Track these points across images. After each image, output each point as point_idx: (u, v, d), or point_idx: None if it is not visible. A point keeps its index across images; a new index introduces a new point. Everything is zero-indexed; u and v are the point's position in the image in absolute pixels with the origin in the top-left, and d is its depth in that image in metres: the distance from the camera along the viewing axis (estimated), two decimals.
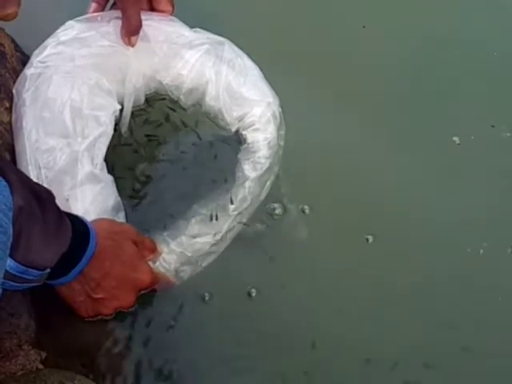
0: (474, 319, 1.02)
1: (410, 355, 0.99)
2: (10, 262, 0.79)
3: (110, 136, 1.06)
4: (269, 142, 1.10)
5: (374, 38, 1.28)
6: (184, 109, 1.15)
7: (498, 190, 1.13)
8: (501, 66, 1.27)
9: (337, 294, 1.03)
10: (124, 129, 1.12)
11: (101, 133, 1.04)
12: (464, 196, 1.12)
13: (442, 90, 1.23)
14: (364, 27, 1.30)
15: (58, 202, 0.88)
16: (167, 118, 1.15)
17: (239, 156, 1.10)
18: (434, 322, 1.01)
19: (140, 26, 1.09)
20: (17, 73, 1.09)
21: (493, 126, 1.19)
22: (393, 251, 1.07)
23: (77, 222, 0.90)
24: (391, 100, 1.22)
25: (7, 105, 1.06)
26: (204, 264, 1.03)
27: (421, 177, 1.14)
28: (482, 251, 1.07)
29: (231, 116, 1.12)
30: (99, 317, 0.97)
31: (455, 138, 1.17)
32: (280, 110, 1.13)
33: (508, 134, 1.18)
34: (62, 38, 1.08)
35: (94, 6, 1.13)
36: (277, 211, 1.09)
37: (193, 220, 1.04)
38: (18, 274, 0.81)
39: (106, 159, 1.05)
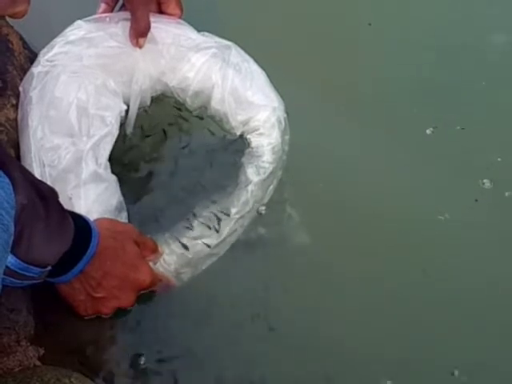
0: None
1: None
2: (11, 259, 0.79)
3: (115, 136, 1.06)
4: (273, 147, 1.10)
5: (380, 37, 1.28)
6: (190, 111, 1.15)
7: None
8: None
9: (338, 297, 1.04)
10: (129, 129, 1.12)
11: (106, 133, 1.05)
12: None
13: (448, 92, 1.23)
14: (370, 25, 1.30)
15: (61, 200, 0.88)
16: (172, 120, 1.15)
17: (243, 160, 1.10)
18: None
19: (148, 28, 1.09)
20: (24, 70, 1.09)
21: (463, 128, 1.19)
22: (395, 254, 1.07)
23: (79, 221, 0.91)
24: (396, 104, 1.22)
25: (14, 102, 1.06)
26: (204, 266, 1.04)
27: (422, 182, 1.14)
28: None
29: (236, 120, 1.12)
30: (98, 315, 0.97)
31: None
32: (285, 115, 1.13)
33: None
34: (70, 38, 1.08)
35: (103, 6, 1.13)
36: (279, 216, 1.09)
37: (195, 222, 1.04)
38: (19, 271, 0.82)
39: (111, 159, 1.06)
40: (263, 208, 1.08)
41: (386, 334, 1.01)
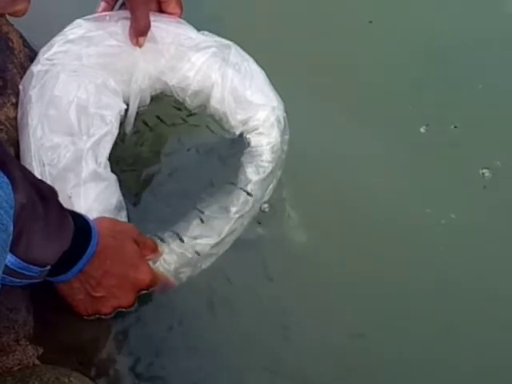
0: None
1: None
2: (10, 258, 0.79)
3: (114, 135, 1.06)
4: (272, 147, 1.10)
5: (381, 35, 1.28)
6: (189, 110, 1.16)
7: None
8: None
9: (337, 297, 1.04)
10: (129, 128, 1.12)
11: (106, 132, 1.05)
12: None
13: (444, 91, 1.23)
14: (370, 22, 1.30)
15: (61, 199, 0.88)
16: (172, 120, 1.15)
17: (242, 159, 1.10)
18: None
19: (148, 27, 1.09)
20: (24, 69, 1.09)
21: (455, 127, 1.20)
22: (395, 253, 1.08)
23: (79, 220, 0.91)
24: (396, 103, 1.22)
25: (14, 100, 1.06)
26: (204, 266, 1.04)
27: (421, 182, 1.14)
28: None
29: (235, 119, 1.12)
30: (98, 315, 0.97)
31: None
32: (284, 114, 1.13)
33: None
34: (70, 37, 1.08)
35: (102, 5, 1.13)
36: (278, 215, 1.09)
37: (194, 221, 1.04)
38: (18, 270, 0.81)
39: (110, 158, 1.06)
40: (266, 206, 1.09)
41: (387, 333, 1.01)
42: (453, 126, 1.19)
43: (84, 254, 0.91)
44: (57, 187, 0.89)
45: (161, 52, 1.12)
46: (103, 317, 0.97)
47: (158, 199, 1.09)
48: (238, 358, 0.98)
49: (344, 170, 1.14)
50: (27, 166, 1.00)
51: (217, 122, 1.14)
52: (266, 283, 1.04)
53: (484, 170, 1.14)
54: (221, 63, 1.13)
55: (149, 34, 1.10)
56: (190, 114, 1.15)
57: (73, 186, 1.00)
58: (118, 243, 0.96)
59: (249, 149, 1.11)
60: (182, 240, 1.02)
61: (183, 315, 1.01)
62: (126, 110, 1.11)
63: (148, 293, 1.00)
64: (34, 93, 1.05)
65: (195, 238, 1.03)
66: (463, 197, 1.13)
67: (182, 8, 1.14)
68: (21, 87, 1.07)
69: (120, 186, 1.05)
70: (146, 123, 1.14)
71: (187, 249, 1.03)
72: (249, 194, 1.05)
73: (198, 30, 1.15)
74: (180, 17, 1.14)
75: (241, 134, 1.13)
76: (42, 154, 1.01)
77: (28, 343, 0.93)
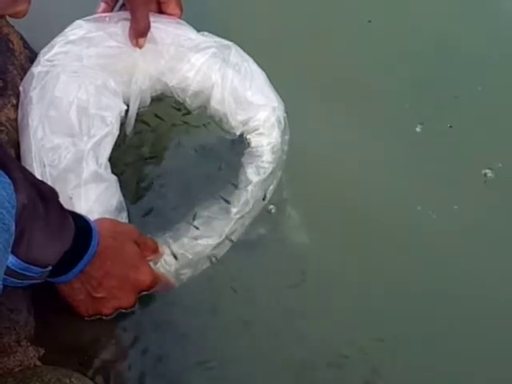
0: None
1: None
2: (11, 259, 0.79)
3: (115, 136, 1.06)
4: (272, 147, 1.10)
5: (380, 34, 1.28)
6: (189, 111, 1.16)
7: None
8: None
9: (337, 297, 1.04)
10: (129, 129, 1.12)
11: (106, 133, 1.05)
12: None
13: (442, 91, 1.24)
14: (370, 22, 1.30)
15: (61, 200, 0.88)
16: (172, 121, 1.15)
17: (243, 160, 1.10)
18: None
19: (148, 28, 1.09)
20: (25, 70, 1.09)
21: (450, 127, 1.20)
22: (395, 253, 1.08)
23: (80, 221, 0.91)
24: (397, 103, 1.22)
25: (14, 102, 1.06)
26: (204, 267, 1.04)
27: (422, 182, 1.14)
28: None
29: (236, 120, 1.12)
30: (98, 316, 0.97)
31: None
32: (285, 115, 1.13)
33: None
34: (70, 38, 1.09)
35: (102, 6, 1.13)
36: (279, 216, 1.09)
37: (195, 222, 1.05)
38: (19, 271, 0.81)
39: (111, 159, 1.06)
40: (272, 206, 1.09)
41: (387, 333, 1.01)
42: (448, 125, 1.19)
43: (85, 254, 0.91)
44: (57, 188, 0.89)
45: (160, 53, 1.12)
46: (104, 317, 0.97)
47: (159, 200, 1.09)
48: (239, 358, 0.98)
49: (344, 170, 1.14)
50: (28, 167, 1.00)
51: (217, 122, 1.14)
52: (267, 284, 1.04)
53: (485, 171, 1.14)
54: (221, 64, 1.13)
55: (149, 34, 1.10)
56: (190, 114, 1.15)
57: (73, 186, 1.00)
58: (119, 244, 0.96)
59: (249, 149, 1.11)
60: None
61: (184, 316, 1.01)
62: (127, 111, 1.11)
63: (149, 294, 1.00)
64: (34, 94, 1.05)
65: (196, 238, 1.03)
66: (463, 196, 1.13)
67: (181, 9, 1.14)
68: (21, 88, 1.07)
69: (120, 186, 1.05)
70: (146, 124, 1.15)
71: (188, 250, 1.03)
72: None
73: (198, 30, 1.15)
74: (180, 17, 1.14)
75: (241, 135, 1.13)
76: (43, 154, 1.01)
77: (29, 344, 0.93)
